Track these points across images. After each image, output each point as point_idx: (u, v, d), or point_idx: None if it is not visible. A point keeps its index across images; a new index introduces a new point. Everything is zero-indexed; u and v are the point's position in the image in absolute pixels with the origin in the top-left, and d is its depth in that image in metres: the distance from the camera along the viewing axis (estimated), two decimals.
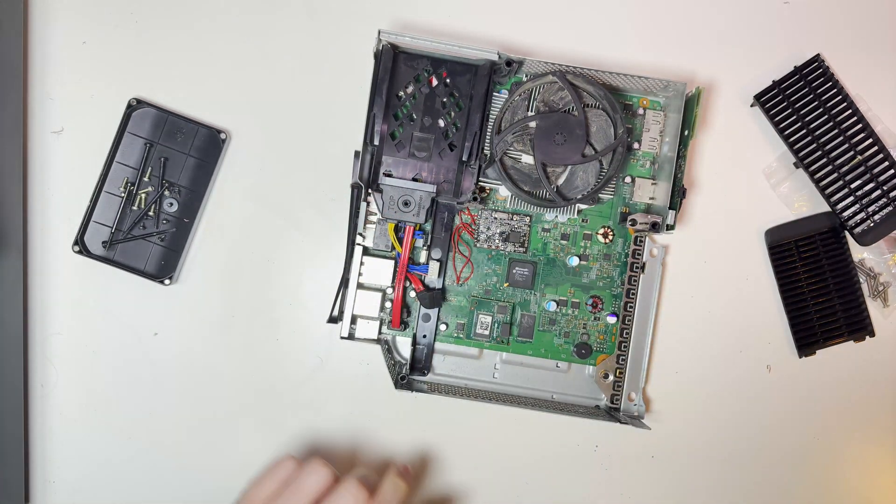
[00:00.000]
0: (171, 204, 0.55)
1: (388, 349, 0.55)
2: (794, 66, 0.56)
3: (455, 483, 0.57)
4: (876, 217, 0.55)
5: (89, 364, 0.56)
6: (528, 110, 0.54)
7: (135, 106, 0.54)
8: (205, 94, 0.56)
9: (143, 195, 0.54)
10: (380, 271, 0.54)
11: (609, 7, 0.58)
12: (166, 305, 0.56)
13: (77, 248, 0.54)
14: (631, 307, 0.55)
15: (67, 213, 0.55)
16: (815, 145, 0.55)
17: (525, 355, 0.56)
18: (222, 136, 0.55)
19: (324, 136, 0.56)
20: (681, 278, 0.57)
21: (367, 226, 0.53)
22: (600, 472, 0.57)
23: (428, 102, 0.52)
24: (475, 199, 0.53)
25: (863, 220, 0.55)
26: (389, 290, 0.54)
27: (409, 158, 0.52)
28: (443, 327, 0.55)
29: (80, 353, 0.56)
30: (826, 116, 0.55)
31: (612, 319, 0.55)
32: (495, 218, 0.55)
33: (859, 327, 0.56)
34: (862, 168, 0.55)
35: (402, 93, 0.52)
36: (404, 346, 0.55)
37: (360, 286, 0.53)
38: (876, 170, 0.55)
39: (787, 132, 0.56)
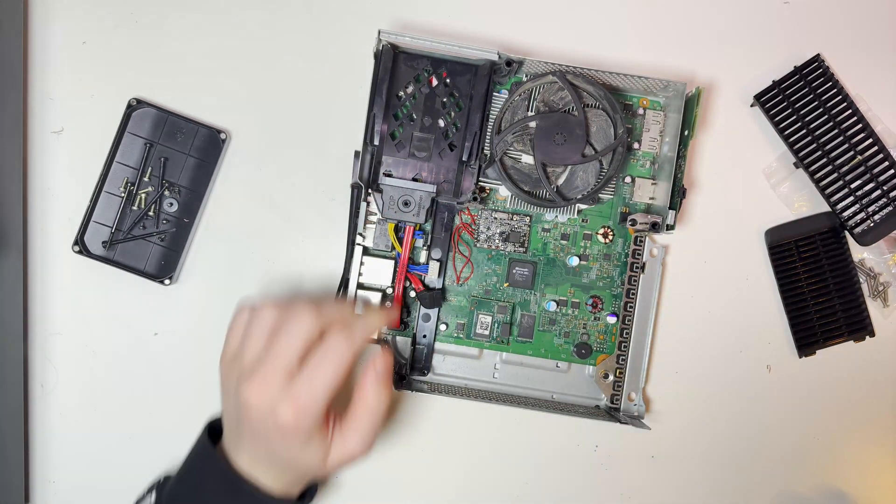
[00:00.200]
0: (171, 204, 0.55)
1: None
2: (794, 66, 0.56)
3: (455, 483, 0.57)
4: (876, 217, 0.55)
5: (89, 364, 0.56)
6: (528, 110, 0.54)
7: (135, 106, 0.54)
8: (205, 94, 0.56)
9: (143, 195, 0.54)
10: (380, 271, 0.54)
11: (609, 7, 0.58)
12: (166, 305, 0.56)
13: (77, 248, 0.54)
14: (631, 307, 0.55)
15: (67, 213, 0.55)
16: (815, 145, 0.55)
17: (525, 355, 0.56)
18: (222, 136, 0.55)
19: (324, 136, 0.56)
20: (681, 278, 0.57)
21: (367, 226, 0.53)
22: (600, 472, 0.57)
23: (428, 102, 0.52)
24: (475, 199, 0.53)
25: (863, 220, 0.55)
26: (389, 290, 0.54)
27: (409, 158, 0.52)
28: (443, 327, 0.55)
29: (80, 353, 0.56)
30: (826, 116, 0.55)
31: (612, 319, 0.55)
32: (495, 218, 0.55)
33: (859, 327, 0.56)
34: (862, 168, 0.55)
35: (402, 93, 0.52)
36: (404, 346, 0.55)
37: (360, 286, 0.53)
38: (876, 170, 0.55)
39: (787, 132, 0.56)
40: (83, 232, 0.54)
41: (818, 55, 0.56)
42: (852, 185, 0.55)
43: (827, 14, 0.58)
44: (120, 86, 0.56)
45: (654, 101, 0.55)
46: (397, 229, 0.53)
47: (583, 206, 0.55)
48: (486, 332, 0.55)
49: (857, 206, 0.55)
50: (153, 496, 0.48)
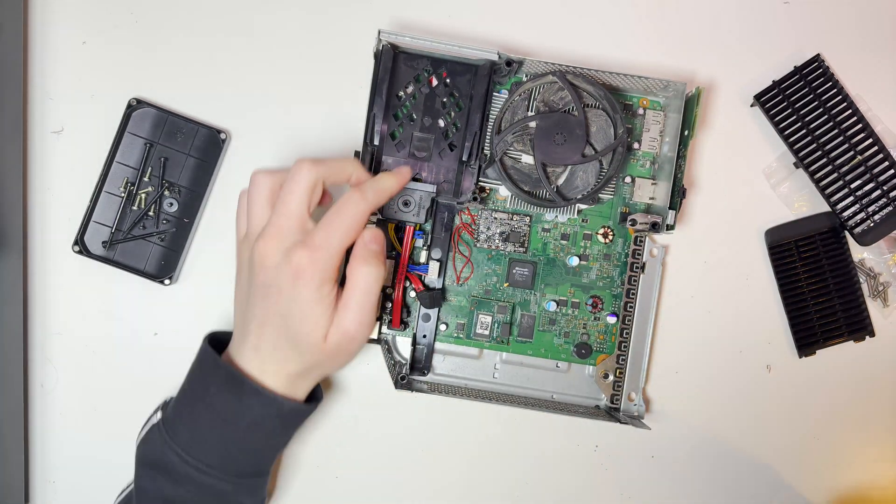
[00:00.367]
0: (171, 204, 0.55)
1: (388, 349, 0.55)
2: (794, 66, 0.56)
3: (455, 483, 0.57)
4: (876, 217, 0.55)
5: (89, 364, 0.56)
6: (528, 110, 0.54)
7: (135, 106, 0.54)
8: (205, 94, 0.56)
9: (143, 195, 0.54)
10: None
11: (609, 7, 0.58)
12: (166, 305, 0.56)
13: (77, 248, 0.54)
14: (631, 307, 0.55)
15: (67, 213, 0.55)
16: (815, 145, 0.55)
17: (525, 355, 0.56)
18: (222, 136, 0.55)
19: (324, 136, 0.56)
20: (681, 278, 0.57)
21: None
22: (600, 472, 0.57)
23: (428, 102, 0.52)
24: (475, 199, 0.53)
25: (863, 220, 0.55)
26: (389, 290, 0.54)
27: (409, 158, 0.52)
28: (443, 327, 0.55)
29: (80, 353, 0.56)
30: (826, 116, 0.55)
31: (612, 319, 0.55)
32: (495, 218, 0.55)
33: (859, 327, 0.56)
34: (862, 168, 0.55)
35: (402, 93, 0.52)
36: (404, 346, 0.55)
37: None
38: (876, 170, 0.55)
39: (787, 132, 0.56)
40: (83, 232, 0.54)
41: (818, 55, 0.56)
42: (852, 185, 0.55)
43: (827, 14, 0.58)
44: (120, 86, 0.56)
45: (654, 101, 0.55)
46: (397, 229, 0.53)
47: (583, 206, 0.55)
48: (486, 332, 0.55)
49: (857, 206, 0.55)
50: (159, 415, 0.48)
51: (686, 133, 0.52)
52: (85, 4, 0.56)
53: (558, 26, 0.57)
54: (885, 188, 0.55)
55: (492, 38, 0.57)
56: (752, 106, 0.57)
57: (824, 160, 0.55)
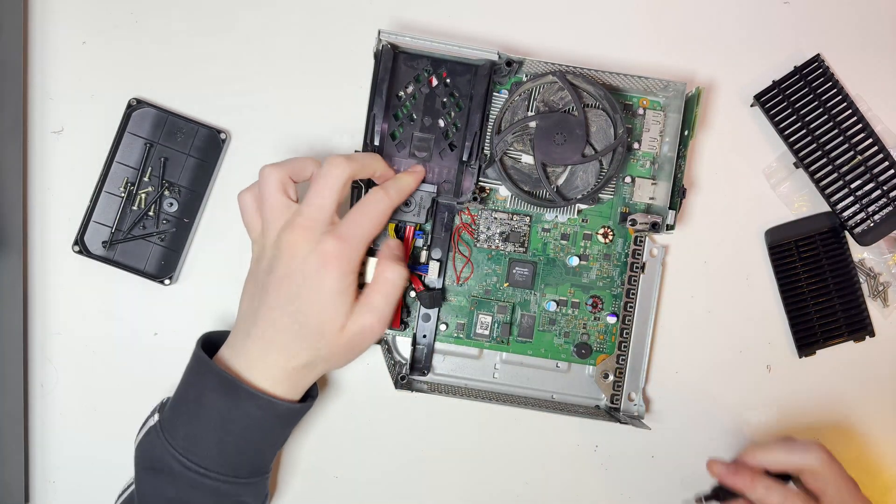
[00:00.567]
0: (171, 204, 0.55)
1: (388, 349, 0.55)
2: (794, 66, 0.56)
3: (455, 483, 0.57)
4: (876, 217, 0.55)
5: (89, 364, 0.56)
6: (528, 110, 0.54)
7: (135, 106, 0.54)
8: (205, 94, 0.56)
9: (143, 195, 0.54)
10: None
11: (609, 7, 0.58)
12: (166, 305, 0.56)
13: (77, 248, 0.54)
14: (631, 307, 0.55)
15: (67, 213, 0.55)
16: (815, 145, 0.55)
17: (525, 355, 0.56)
18: (222, 136, 0.55)
19: (324, 136, 0.56)
20: (681, 278, 0.57)
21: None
22: (600, 472, 0.57)
23: (428, 102, 0.52)
24: (475, 199, 0.53)
25: (863, 220, 0.55)
26: None
27: (410, 158, 0.52)
28: (443, 327, 0.55)
29: (80, 353, 0.56)
30: (826, 116, 0.55)
31: (612, 319, 0.55)
32: (495, 218, 0.55)
33: (859, 327, 0.56)
34: (862, 168, 0.55)
35: (402, 93, 0.52)
36: (404, 346, 0.55)
37: (360, 286, 0.53)
38: (876, 170, 0.55)
39: (787, 132, 0.56)
40: (83, 232, 0.54)
41: (818, 55, 0.56)
42: (852, 185, 0.55)
43: (827, 14, 0.58)
44: (120, 86, 0.56)
45: (654, 101, 0.55)
46: (397, 229, 0.53)
47: (583, 206, 0.55)
48: (486, 332, 0.55)
49: (857, 206, 0.55)
50: (156, 417, 0.48)
51: (686, 133, 0.52)
52: (85, 4, 0.56)
53: (558, 26, 0.57)
54: (885, 188, 0.55)
55: (492, 38, 0.57)
56: (752, 106, 0.57)
57: (824, 160, 0.55)
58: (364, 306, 0.46)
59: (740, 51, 0.58)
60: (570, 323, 0.56)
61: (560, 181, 0.53)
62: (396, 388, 0.52)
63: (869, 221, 0.55)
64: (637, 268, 0.55)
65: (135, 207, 0.54)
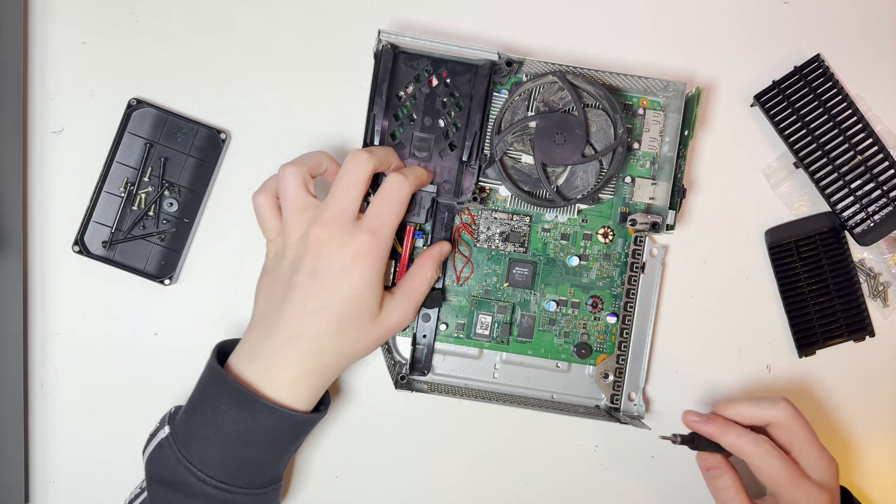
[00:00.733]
0: (171, 204, 0.55)
1: (388, 349, 0.55)
2: (794, 66, 0.56)
3: (455, 483, 0.57)
4: (876, 217, 0.55)
5: (89, 364, 0.56)
6: (528, 110, 0.54)
7: (135, 106, 0.54)
8: (205, 94, 0.56)
9: (143, 195, 0.54)
10: None
11: (609, 7, 0.58)
12: (166, 305, 0.56)
13: (77, 248, 0.54)
14: (631, 307, 0.55)
15: (67, 213, 0.55)
16: (815, 145, 0.55)
17: (525, 355, 0.56)
18: (222, 136, 0.55)
19: (324, 136, 0.56)
20: (681, 278, 0.57)
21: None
22: (600, 472, 0.57)
23: (428, 102, 0.52)
24: (475, 199, 0.53)
25: (863, 220, 0.55)
26: None
27: (410, 158, 0.52)
28: (443, 327, 0.55)
29: (80, 353, 0.56)
30: (826, 116, 0.55)
31: (612, 319, 0.55)
32: (495, 218, 0.55)
33: (859, 327, 0.56)
34: (862, 168, 0.55)
35: (402, 93, 0.52)
36: (404, 346, 0.55)
37: None
38: (876, 170, 0.55)
39: (787, 132, 0.56)
40: (83, 232, 0.54)
41: (818, 55, 0.56)
42: (852, 185, 0.55)
43: (827, 14, 0.58)
44: (120, 86, 0.56)
45: (654, 101, 0.55)
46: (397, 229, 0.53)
47: (583, 206, 0.55)
48: (486, 332, 0.55)
49: (857, 206, 0.55)
50: (167, 429, 0.47)
51: (686, 133, 0.52)
52: (85, 4, 0.56)
53: (558, 26, 0.57)
54: (885, 188, 0.55)
55: (492, 38, 0.57)
56: (752, 106, 0.57)
57: (824, 160, 0.55)
58: (400, 299, 0.49)
59: (740, 51, 0.58)
60: (570, 323, 0.56)
61: (560, 181, 0.53)
62: (396, 388, 0.52)
63: (869, 221, 0.55)
64: (637, 268, 0.55)
65: (135, 207, 0.54)
